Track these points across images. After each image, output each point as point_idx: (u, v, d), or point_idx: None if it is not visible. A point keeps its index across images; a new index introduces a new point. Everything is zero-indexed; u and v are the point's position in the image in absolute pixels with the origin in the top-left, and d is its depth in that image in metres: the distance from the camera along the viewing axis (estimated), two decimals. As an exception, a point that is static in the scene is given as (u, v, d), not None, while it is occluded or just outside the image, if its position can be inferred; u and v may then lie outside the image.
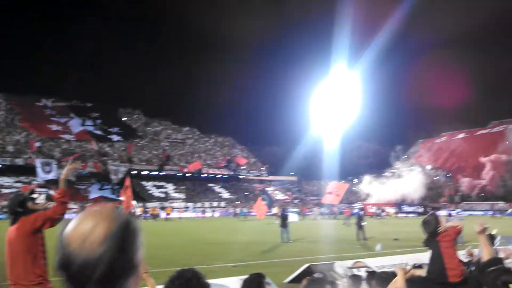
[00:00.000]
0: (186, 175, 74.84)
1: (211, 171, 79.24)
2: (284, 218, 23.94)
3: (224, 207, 67.44)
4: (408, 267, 4.62)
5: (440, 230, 5.48)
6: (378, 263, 9.76)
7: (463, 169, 77.53)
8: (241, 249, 19.13)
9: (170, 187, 70.65)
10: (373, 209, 56.60)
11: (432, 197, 70.40)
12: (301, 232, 27.78)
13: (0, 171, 58.23)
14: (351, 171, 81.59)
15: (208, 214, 61.06)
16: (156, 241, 21.37)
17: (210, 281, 2.54)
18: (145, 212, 52.58)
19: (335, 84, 64.68)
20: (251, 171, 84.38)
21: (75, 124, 74.22)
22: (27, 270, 4.24)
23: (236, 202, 68.31)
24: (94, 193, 37.62)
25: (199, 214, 59.38)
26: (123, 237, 1.04)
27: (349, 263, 9.45)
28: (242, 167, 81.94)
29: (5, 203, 18.13)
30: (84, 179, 58.43)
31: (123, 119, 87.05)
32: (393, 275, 5.90)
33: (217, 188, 75.86)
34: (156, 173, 73.10)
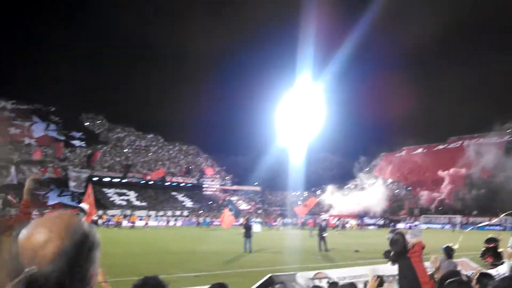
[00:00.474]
0: (149, 183, 73.82)
1: (174, 179, 78.48)
2: (247, 228, 23.89)
3: (187, 216, 66.73)
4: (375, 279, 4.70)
5: (409, 247, 5.58)
6: (339, 274, 9.83)
7: (423, 183, 79.42)
8: (203, 259, 18.97)
9: (132, 195, 69.48)
10: (334, 221, 57.17)
11: (393, 210, 71.73)
12: (264, 243, 27.78)
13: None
14: (314, 182, 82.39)
15: (171, 223, 60.27)
16: (117, 249, 20.95)
17: (171, 291, 2.49)
18: (108, 220, 51.42)
19: (300, 96, 65.35)
20: (215, 180, 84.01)
21: (38, 128, 72.31)
22: None
23: (199, 211, 67.78)
24: (53, 199, 36.73)
25: (161, 223, 58.53)
26: (76, 254, 1.01)
27: (311, 274, 9.49)
28: (207, 177, 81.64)
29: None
30: (43, 185, 56.81)
31: (85, 124, 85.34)
32: (352, 286, 5.96)
33: (180, 197, 75.11)
34: (118, 180, 71.82)
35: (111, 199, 66.10)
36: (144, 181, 73.63)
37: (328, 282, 7.94)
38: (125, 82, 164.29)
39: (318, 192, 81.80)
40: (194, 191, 78.68)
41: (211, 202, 76.31)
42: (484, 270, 5.40)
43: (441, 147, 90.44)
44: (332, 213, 65.23)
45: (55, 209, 30.91)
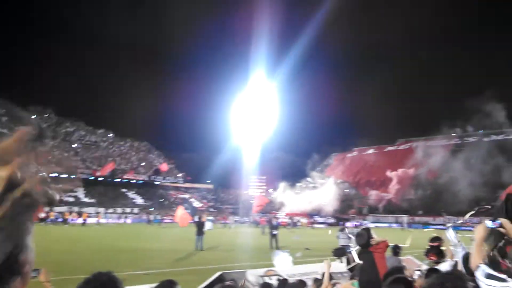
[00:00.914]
0: (99, 179, 71.98)
1: (125, 176, 76.96)
2: (199, 226, 23.78)
3: (137, 214, 65.59)
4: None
5: (373, 242, 5.74)
6: (289, 272, 9.94)
7: (372, 183, 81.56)
8: (153, 257, 18.73)
9: (80, 191, 67.56)
10: (286, 219, 57.78)
11: (342, 209, 73.22)
12: (216, 240, 27.72)
13: None
14: (268, 181, 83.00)
15: (121, 220, 59.08)
16: (63, 247, 20.36)
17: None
18: (56, 217, 49.62)
19: (254, 95, 65.64)
20: (167, 178, 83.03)
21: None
22: None
23: (150, 209, 66.79)
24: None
25: (111, 220, 57.23)
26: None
27: (261, 271, 9.55)
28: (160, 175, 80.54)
29: None
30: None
31: (32, 117, 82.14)
32: (301, 283, 6.06)
33: (130, 194, 73.75)
34: (66, 176, 69.47)
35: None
36: (93, 177, 71.72)
37: (278, 279, 8.01)
38: (74, 76, 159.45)
39: (271, 190, 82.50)
40: (145, 188, 77.46)
41: (163, 199, 75.37)
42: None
43: (390, 148, 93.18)
44: (284, 211, 65.85)
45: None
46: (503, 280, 3.06)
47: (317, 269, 9.55)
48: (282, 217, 57.29)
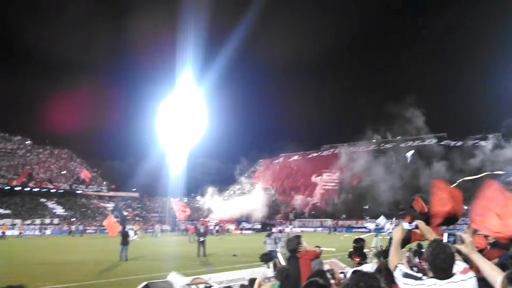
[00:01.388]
0: (15, 189, 67.86)
1: (44, 185, 73.16)
2: (124, 235, 23.14)
3: (57, 224, 62.51)
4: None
5: (301, 249, 5.88)
6: (216, 279, 9.93)
7: (297, 188, 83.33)
8: (75, 269, 17.98)
9: (-5, 202, 63.35)
10: (214, 226, 57.59)
11: (269, 214, 74.20)
12: (141, 250, 27.09)
13: None
14: (195, 188, 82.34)
15: (39, 232, 55.92)
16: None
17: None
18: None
19: (180, 101, 65.01)
20: (90, 186, 79.99)
21: None
22: None
23: (72, 219, 63.94)
24: None
25: (28, 232, 54.05)
26: None
27: (188, 279, 9.46)
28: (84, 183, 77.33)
29: None
30: None
31: None
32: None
33: (50, 204, 70.20)
34: (-21, 186, 65.07)
35: (-31, 206, 59.73)
36: (9, 187, 67.51)
37: (205, 287, 7.99)
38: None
39: (198, 197, 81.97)
40: (66, 197, 74.09)
41: (85, 209, 72.49)
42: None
43: (315, 154, 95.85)
44: (212, 218, 65.66)
45: None
46: (419, 279, 3.25)
47: (244, 275, 9.61)
48: (214, 224, 57.20)
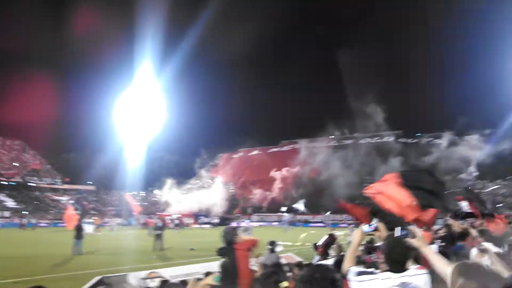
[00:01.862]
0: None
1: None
2: (79, 229, 22.62)
3: (8, 218, 60.34)
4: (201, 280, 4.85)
5: (238, 240, 5.85)
6: (172, 273, 9.85)
7: (256, 182, 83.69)
8: (25, 264, 17.42)
9: None
10: (172, 219, 57.06)
11: (228, 209, 74.19)
12: (96, 244, 26.53)
13: None
14: (153, 181, 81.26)
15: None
16: None
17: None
18: None
19: (139, 94, 63.84)
20: (43, 179, 77.71)
21: None
22: None
23: (24, 212, 61.86)
24: None
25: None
26: None
27: (143, 273, 9.34)
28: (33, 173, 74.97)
29: None
30: None
31: None
32: (183, 284, 6.04)
33: (1, 196, 67.71)
34: None
35: None
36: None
37: (161, 281, 7.89)
38: None
39: (156, 191, 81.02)
40: (18, 190, 71.66)
41: (38, 202, 70.38)
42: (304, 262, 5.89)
43: (274, 149, 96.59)
44: (170, 212, 65.04)
45: None
46: (372, 273, 3.32)
47: (200, 269, 9.56)
48: (176, 217, 56.66)
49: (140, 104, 64.51)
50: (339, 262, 5.14)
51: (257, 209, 75.88)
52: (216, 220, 65.01)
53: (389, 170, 59.56)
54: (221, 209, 70.58)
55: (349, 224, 31.07)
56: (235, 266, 5.59)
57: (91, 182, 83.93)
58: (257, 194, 78.71)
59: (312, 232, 36.77)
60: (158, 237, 23.83)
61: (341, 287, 2.27)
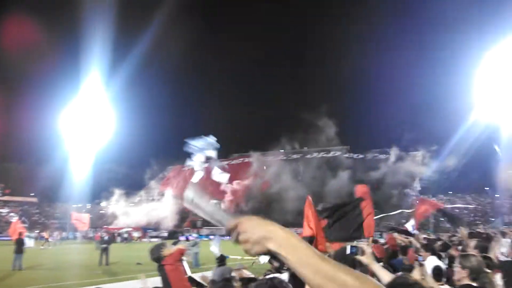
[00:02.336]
0: None
1: None
2: (19, 243, 21.66)
3: None
4: None
5: (164, 254, 5.66)
6: (118, 288, 9.63)
7: (206, 195, 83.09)
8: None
9: None
10: (119, 233, 55.75)
11: (178, 222, 73.20)
12: (38, 259, 25.50)
13: None
14: (100, 193, 79.01)
15: None
16: None
17: None
18: None
19: (86, 104, 62.30)
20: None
21: None
22: None
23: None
24: None
25: None
26: None
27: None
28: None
29: None
30: None
31: None
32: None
33: None
34: None
35: None
36: None
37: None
38: None
39: (103, 204, 78.87)
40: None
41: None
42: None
43: (225, 162, 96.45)
44: (117, 225, 63.47)
45: None
46: None
47: (146, 284, 9.38)
48: (125, 231, 55.25)
49: (88, 114, 62.91)
50: (294, 275, 5.18)
51: (207, 223, 75.29)
52: (165, 234, 63.96)
53: (339, 184, 61.04)
54: (171, 223, 69.55)
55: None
56: (168, 283, 5.51)
57: (33, 194, 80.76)
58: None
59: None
60: (104, 251, 23.20)
61: None
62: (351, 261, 3.51)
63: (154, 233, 65.40)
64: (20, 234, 23.54)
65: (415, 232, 13.61)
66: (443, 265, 6.14)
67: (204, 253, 22.55)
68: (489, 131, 52.95)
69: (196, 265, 20.96)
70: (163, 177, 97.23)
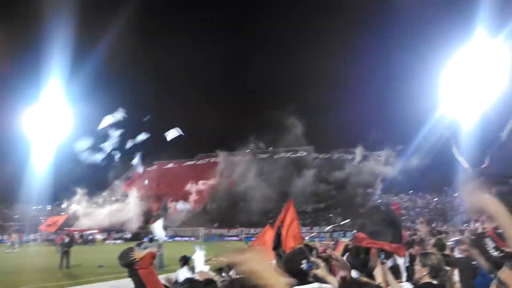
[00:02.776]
0: None
1: None
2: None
3: None
4: None
5: (134, 259, 5.46)
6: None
7: (171, 196, 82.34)
8: None
9: None
10: (80, 235, 54.59)
11: (142, 223, 72.24)
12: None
13: None
14: (60, 194, 77.04)
15: None
16: None
17: None
18: None
19: (48, 104, 60.62)
20: None
21: None
22: None
23: None
24: None
25: None
26: None
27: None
28: None
29: None
30: None
31: None
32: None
33: None
34: None
35: None
36: None
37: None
38: None
39: (64, 205, 77.05)
40: None
41: None
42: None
43: (190, 163, 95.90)
44: (79, 226, 62.10)
45: None
46: None
47: (108, 287, 9.23)
48: (89, 233, 54.07)
49: (46, 114, 61.19)
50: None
51: (171, 223, 74.58)
52: (129, 235, 63.02)
53: (304, 183, 61.69)
54: (135, 224, 68.54)
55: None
56: (144, 286, 5.38)
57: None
58: (171, 207, 77.47)
59: (228, 246, 36.79)
60: (65, 254, 22.64)
61: None
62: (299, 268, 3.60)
63: (118, 235, 64.40)
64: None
65: None
66: (402, 263, 6.22)
67: (168, 254, 22.35)
68: (450, 132, 54.10)
69: (160, 267, 20.71)
70: (127, 178, 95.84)
